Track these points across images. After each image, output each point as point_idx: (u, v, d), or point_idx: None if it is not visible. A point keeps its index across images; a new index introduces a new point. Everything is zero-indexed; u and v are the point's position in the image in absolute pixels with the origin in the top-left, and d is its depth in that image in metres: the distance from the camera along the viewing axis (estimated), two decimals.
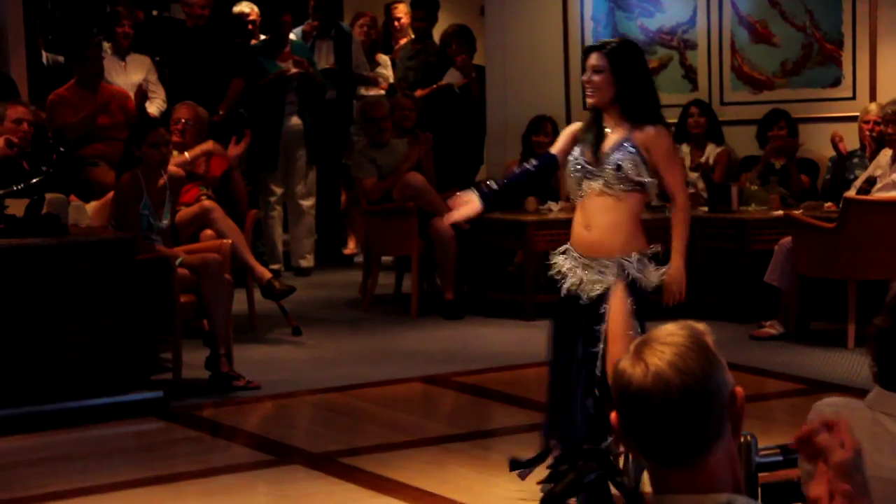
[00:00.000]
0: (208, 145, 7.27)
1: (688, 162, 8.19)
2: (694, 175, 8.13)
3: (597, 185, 4.10)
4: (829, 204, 7.28)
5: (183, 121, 7.37)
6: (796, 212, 7.11)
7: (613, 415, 1.74)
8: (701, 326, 1.75)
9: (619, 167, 4.07)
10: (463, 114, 9.00)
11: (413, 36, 9.68)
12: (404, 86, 9.18)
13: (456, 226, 7.79)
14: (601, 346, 4.04)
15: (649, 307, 4.12)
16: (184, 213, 6.86)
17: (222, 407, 5.82)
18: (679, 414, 1.67)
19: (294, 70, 8.77)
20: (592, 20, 8.72)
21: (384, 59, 9.88)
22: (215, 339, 6.03)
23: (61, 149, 6.97)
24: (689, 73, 8.48)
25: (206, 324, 6.13)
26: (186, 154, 7.17)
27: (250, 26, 9.39)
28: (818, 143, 7.88)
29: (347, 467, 4.79)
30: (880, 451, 1.98)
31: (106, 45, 8.48)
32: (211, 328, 6.07)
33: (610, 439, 4.01)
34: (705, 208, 7.69)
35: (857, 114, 7.64)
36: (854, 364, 6.16)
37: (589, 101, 4.19)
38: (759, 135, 7.92)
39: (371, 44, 9.78)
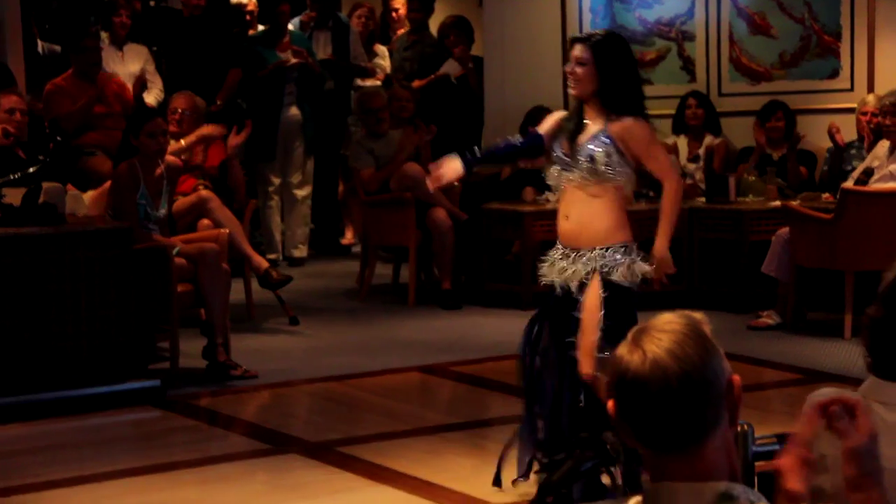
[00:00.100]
0: (205, 130, 7.25)
1: (685, 153, 8.19)
2: (692, 166, 8.14)
3: (573, 176, 4.12)
4: (826, 195, 7.29)
5: (180, 110, 7.37)
6: (794, 203, 7.11)
7: (610, 403, 1.75)
8: (698, 315, 1.75)
9: (591, 158, 4.08)
10: (460, 104, 8.99)
11: (409, 27, 9.67)
12: (400, 76, 9.17)
13: (454, 216, 7.82)
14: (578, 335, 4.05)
15: (639, 298, 4.11)
16: (181, 202, 6.86)
17: (219, 396, 5.83)
18: (677, 401, 1.68)
19: (293, 60, 8.76)
20: (591, 11, 8.72)
21: (382, 49, 9.87)
22: (212, 328, 6.03)
23: (58, 138, 6.97)
24: (688, 65, 8.48)
25: (204, 313, 6.13)
26: (182, 141, 7.16)
27: (248, 16, 9.38)
28: (816, 135, 7.88)
29: (345, 456, 4.80)
30: None
31: (103, 34, 8.46)
32: (208, 317, 6.07)
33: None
34: (703, 199, 7.70)
35: (855, 105, 7.64)
36: (851, 354, 6.17)
37: (571, 91, 4.20)
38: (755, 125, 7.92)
39: (369, 34, 9.76)
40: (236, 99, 8.83)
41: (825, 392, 1.90)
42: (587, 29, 8.56)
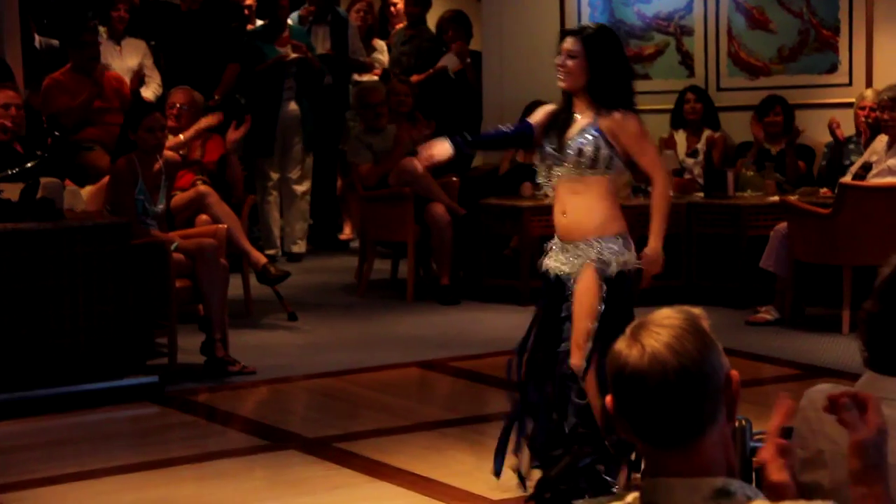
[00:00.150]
0: (203, 123, 7.23)
1: (684, 148, 8.19)
2: (690, 161, 8.13)
3: (564, 170, 4.11)
4: (824, 190, 7.28)
5: (178, 105, 7.36)
6: (792, 197, 7.11)
7: (608, 398, 1.74)
8: (697, 310, 1.75)
9: (579, 152, 4.07)
10: (459, 99, 8.99)
11: (407, 21, 9.66)
12: (398, 71, 9.17)
13: (452, 211, 7.81)
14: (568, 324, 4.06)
15: (636, 291, 4.12)
16: (179, 197, 6.85)
17: (218, 392, 5.82)
18: (675, 396, 1.67)
19: (293, 55, 8.75)
20: (589, 6, 8.71)
21: (380, 44, 9.86)
22: (211, 324, 6.02)
23: (56, 133, 6.96)
24: (686, 59, 8.47)
25: (202, 309, 6.13)
26: (181, 136, 7.15)
27: (246, 11, 9.37)
28: (814, 129, 7.88)
29: (343, 452, 4.79)
30: None
31: (101, 29, 8.46)
32: (206, 313, 6.06)
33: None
34: (701, 194, 7.70)
35: (853, 100, 7.64)
36: (849, 349, 6.16)
37: (560, 84, 4.18)
38: (752, 120, 7.92)
39: (367, 29, 9.76)
40: (234, 94, 8.82)
41: (822, 388, 1.90)
42: (586, 23, 8.55)
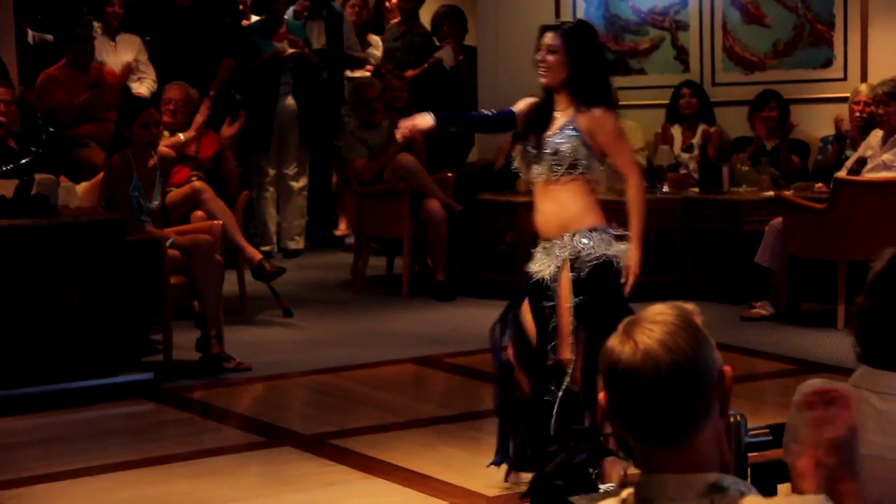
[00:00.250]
0: (199, 119, 7.22)
1: (679, 143, 8.19)
2: (686, 156, 8.14)
3: (541, 169, 4.11)
4: (819, 185, 7.29)
5: (174, 101, 7.35)
6: (787, 193, 7.11)
7: (601, 395, 1.74)
8: (690, 306, 1.75)
9: (556, 152, 4.07)
10: (454, 94, 8.98)
11: (400, 17, 9.66)
12: (391, 66, 9.16)
13: (447, 206, 7.81)
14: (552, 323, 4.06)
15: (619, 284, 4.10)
16: (174, 193, 6.85)
17: (213, 389, 5.82)
18: (668, 392, 1.67)
19: (290, 50, 8.74)
20: (584, 0, 8.71)
21: (375, 39, 9.86)
22: (206, 320, 6.02)
23: (51, 129, 6.95)
24: (681, 54, 8.47)
25: (197, 305, 6.12)
26: (181, 136, 7.14)
27: (241, 6, 9.35)
28: (809, 124, 7.89)
29: (339, 449, 4.79)
30: (867, 428, 1.99)
31: (96, 24, 8.44)
32: (201, 309, 6.06)
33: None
34: (696, 189, 7.70)
35: (848, 95, 7.64)
36: (844, 344, 6.16)
37: (541, 80, 4.17)
38: (751, 116, 7.92)
39: (362, 24, 9.75)
40: (229, 89, 8.81)
41: (814, 383, 1.90)
42: (581, 18, 8.55)
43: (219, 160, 7.43)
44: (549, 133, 4.11)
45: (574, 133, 4.07)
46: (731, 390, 1.73)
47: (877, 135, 6.98)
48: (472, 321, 7.09)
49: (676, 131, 8.18)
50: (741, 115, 7.99)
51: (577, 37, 4.11)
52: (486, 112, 4.54)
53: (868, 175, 6.83)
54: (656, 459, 1.71)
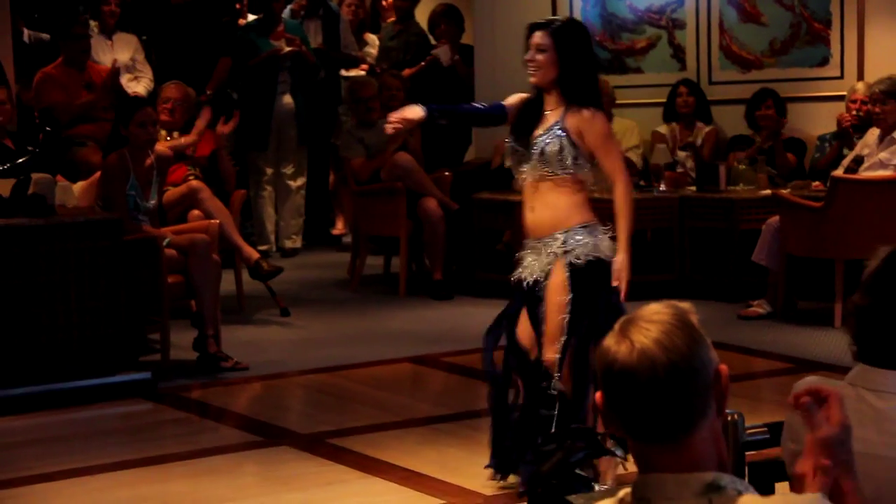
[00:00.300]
0: (200, 124, 7.19)
1: (676, 141, 8.19)
2: (683, 154, 8.14)
3: (529, 168, 4.10)
4: (816, 183, 7.29)
5: (172, 100, 7.34)
6: (784, 191, 7.11)
7: (598, 394, 1.74)
8: (685, 305, 1.75)
9: (542, 151, 4.06)
10: (451, 93, 8.97)
11: (395, 16, 9.65)
12: (385, 66, 9.16)
13: (445, 205, 7.81)
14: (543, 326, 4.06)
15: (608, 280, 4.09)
16: (171, 193, 6.84)
17: (210, 388, 5.82)
18: (665, 391, 1.67)
19: (287, 49, 8.74)
20: None
21: (372, 38, 9.86)
22: (203, 319, 6.01)
23: (48, 128, 6.94)
24: (678, 53, 8.47)
25: (194, 304, 6.12)
26: (183, 139, 7.13)
27: (238, 5, 9.35)
28: (806, 123, 7.89)
29: (336, 448, 4.79)
30: (863, 426, 1.99)
31: (92, 23, 8.43)
32: (199, 309, 6.06)
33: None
34: (693, 188, 7.70)
35: (845, 93, 7.64)
36: (841, 343, 6.11)
37: (531, 80, 4.16)
38: (748, 114, 7.92)
39: (359, 23, 9.75)
40: (226, 88, 8.80)
41: (809, 381, 1.90)
42: (577, 17, 8.55)
43: (215, 159, 7.43)
44: (537, 132, 4.10)
45: (561, 133, 4.06)
46: (727, 389, 1.73)
47: (873, 133, 6.99)
48: (470, 320, 7.07)
49: (673, 130, 8.17)
50: (738, 113, 7.99)
51: (566, 35, 4.09)
52: (477, 105, 4.54)
53: (865, 173, 6.84)
54: (653, 459, 1.71)
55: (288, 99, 8.88)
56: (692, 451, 1.69)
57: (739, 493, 1.68)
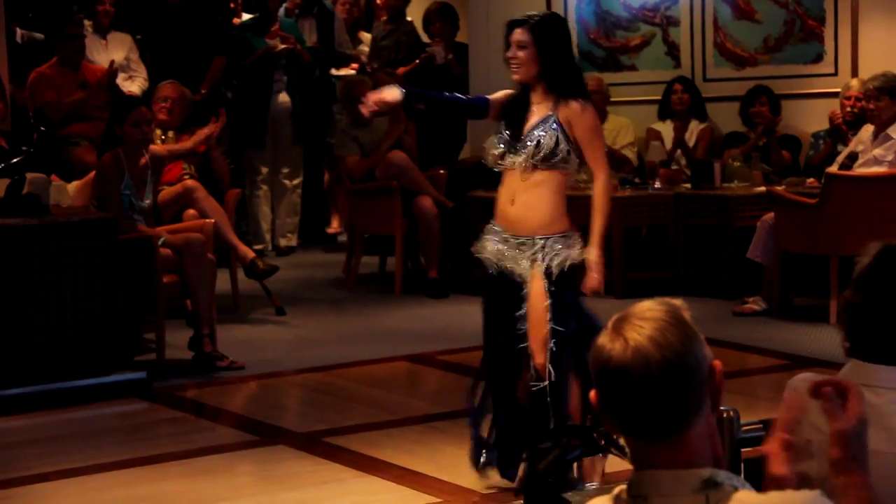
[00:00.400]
0: (207, 130, 7.09)
1: (670, 139, 8.19)
2: (679, 152, 8.13)
3: (519, 160, 4.09)
4: (811, 180, 7.30)
5: (170, 99, 7.33)
6: (779, 188, 7.12)
7: (593, 393, 1.74)
8: (678, 302, 1.75)
9: (538, 144, 4.05)
10: (445, 91, 8.97)
11: (387, 15, 9.65)
12: (376, 64, 9.16)
13: (440, 203, 7.80)
14: (524, 327, 4.07)
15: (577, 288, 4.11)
16: (166, 192, 6.83)
17: (206, 387, 5.81)
18: (659, 388, 1.68)
19: (281, 47, 8.73)
20: None
21: (366, 37, 9.85)
22: (198, 319, 6.01)
23: (42, 128, 6.93)
24: (672, 50, 8.47)
25: (190, 304, 6.12)
26: (187, 144, 7.10)
27: (232, 4, 9.34)
28: (800, 119, 7.90)
29: (332, 447, 4.79)
30: None
31: (87, 23, 8.42)
32: (194, 308, 6.05)
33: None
34: (688, 185, 7.70)
35: (839, 90, 7.64)
36: (836, 339, 6.13)
37: (514, 77, 4.16)
38: (742, 111, 7.93)
39: (353, 22, 9.74)
40: (221, 87, 8.79)
41: (805, 377, 1.91)
42: (572, 14, 8.56)
43: (207, 160, 7.40)
44: (529, 125, 4.09)
45: (555, 126, 4.06)
46: (721, 385, 1.73)
47: (868, 130, 6.99)
48: (465, 318, 7.07)
49: (668, 127, 8.17)
50: (732, 110, 8.00)
51: (544, 30, 4.09)
52: (459, 95, 4.52)
53: (859, 170, 6.84)
54: (649, 455, 1.71)
55: (284, 98, 8.87)
56: (688, 447, 1.70)
57: (736, 489, 1.69)
